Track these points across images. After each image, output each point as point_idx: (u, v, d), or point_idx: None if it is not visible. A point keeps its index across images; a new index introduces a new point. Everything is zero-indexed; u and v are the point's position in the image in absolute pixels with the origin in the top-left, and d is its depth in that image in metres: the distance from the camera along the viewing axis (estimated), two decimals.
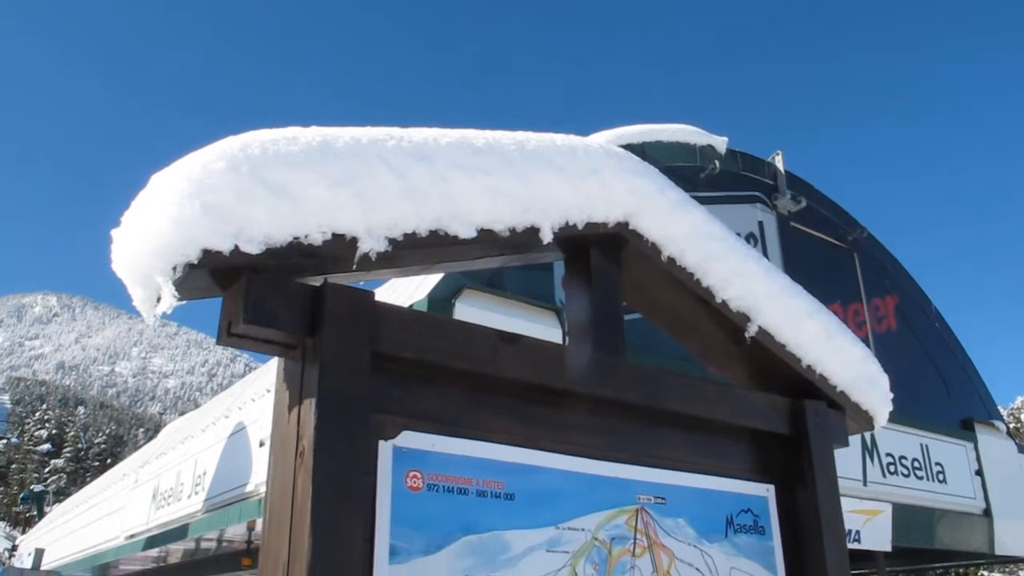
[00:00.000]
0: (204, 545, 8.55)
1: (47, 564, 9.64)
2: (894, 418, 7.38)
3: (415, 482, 1.92)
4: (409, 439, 1.95)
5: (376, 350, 1.91)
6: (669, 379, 2.43)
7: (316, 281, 1.93)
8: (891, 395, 3.03)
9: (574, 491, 2.17)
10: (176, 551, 8.83)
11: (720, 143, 7.86)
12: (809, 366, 2.79)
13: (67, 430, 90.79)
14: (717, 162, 7.68)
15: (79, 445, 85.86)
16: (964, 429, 8.44)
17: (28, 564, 7.65)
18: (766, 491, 2.64)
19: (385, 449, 1.90)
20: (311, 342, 1.88)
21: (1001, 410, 9.51)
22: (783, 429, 2.69)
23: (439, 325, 2.06)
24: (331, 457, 1.78)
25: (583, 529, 2.16)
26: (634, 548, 2.24)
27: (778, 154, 8.46)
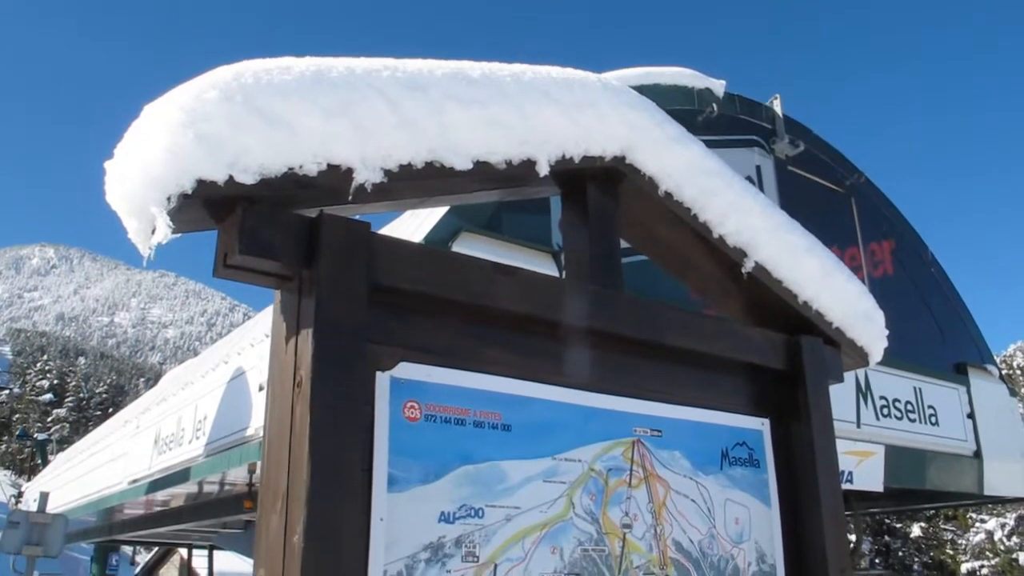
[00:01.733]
0: (206, 489, 8.64)
1: (52, 509, 9.76)
2: (889, 361, 7.44)
3: (412, 412, 1.94)
4: (406, 370, 1.96)
5: (373, 281, 1.91)
6: (666, 313, 2.44)
7: (312, 213, 1.93)
8: (886, 331, 3.05)
9: (571, 423, 2.19)
10: (179, 495, 8.92)
11: (718, 86, 7.78)
12: (806, 302, 2.80)
13: (68, 380, 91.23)
14: (715, 105, 7.60)
15: (81, 395, 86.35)
16: (957, 373, 8.49)
17: (34, 508, 7.75)
18: (761, 425, 2.67)
19: (382, 380, 1.91)
20: (307, 273, 1.88)
21: (995, 357, 9.54)
22: (779, 364, 2.70)
23: (436, 257, 2.06)
24: (328, 387, 1.79)
25: (580, 460, 2.18)
26: (630, 479, 2.27)
27: (776, 98, 8.38)
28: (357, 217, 2.02)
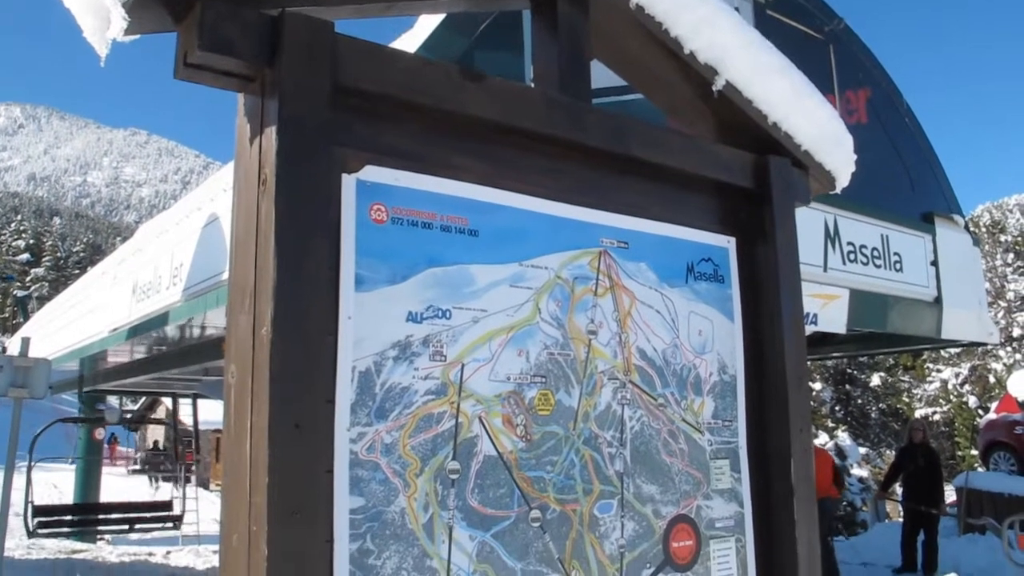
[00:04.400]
0: (187, 334, 8.78)
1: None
2: (858, 209, 7.51)
3: (379, 215, 1.95)
4: (373, 173, 1.96)
5: (337, 82, 1.88)
6: (635, 126, 2.43)
7: (275, 12, 1.88)
8: (855, 156, 3.06)
9: (537, 231, 2.22)
10: (159, 340, 9.07)
11: None
12: (775, 123, 2.79)
13: (45, 240, 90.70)
14: None
15: (58, 254, 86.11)
16: (924, 222, 8.61)
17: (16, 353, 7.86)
18: (727, 243, 2.71)
19: (348, 181, 1.92)
20: (270, 73, 1.85)
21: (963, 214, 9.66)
22: (746, 183, 2.73)
23: (402, 58, 2.02)
24: (294, 185, 1.80)
25: (546, 268, 2.22)
26: (596, 288, 2.32)
27: None
28: None
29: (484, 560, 1.99)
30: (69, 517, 13.63)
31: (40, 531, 12.69)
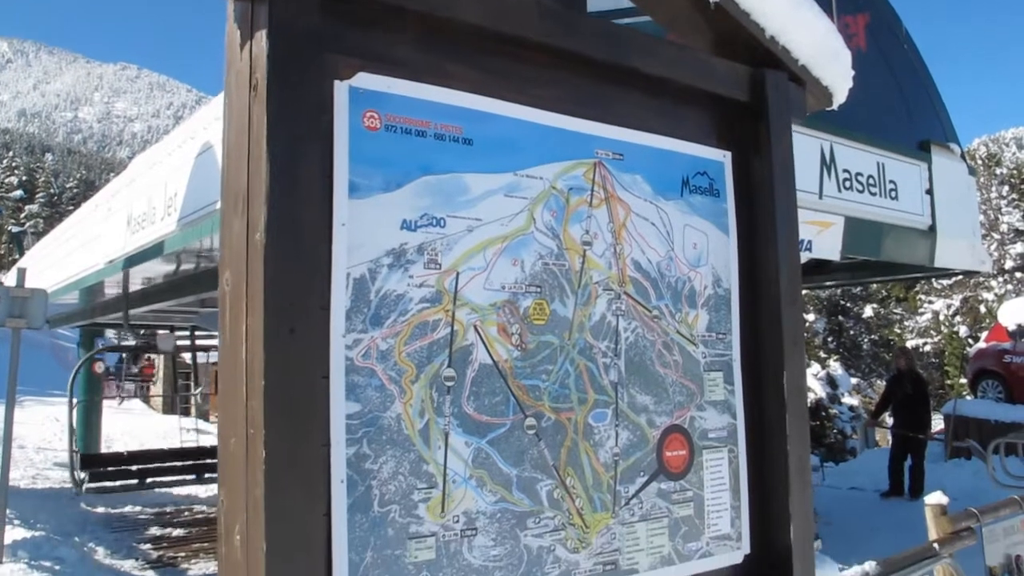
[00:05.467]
0: (183, 265, 8.77)
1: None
2: (854, 137, 7.44)
3: (372, 122, 1.94)
4: (365, 80, 1.94)
5: None
6: (632, 37, 2.40)
7: None
8: (852, 72, 3.03)
9: (532, 141, 2.21)
10: (156, 270, 9.06)
11: None
12: (772, 37, 2.75)
13: (38, 176, 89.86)
14: None
15: (51, 191, 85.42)
16: (920, 150, 8.55)
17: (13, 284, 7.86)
18: (723, 157, 2.70)
19: (341, 88, 1.90)
20: None
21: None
22: (742, 96, 2.70)
23: None
24: (285, 91, 1.78)
25: (541, 178, 2.21)
26: (591, 199, 2.31)
27: None
28: None
29: (480, 466, 2.03)
30: (123, 468, 11.45)
31: (91, 485, 10.82)
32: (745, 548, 2.60)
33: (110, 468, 11.26)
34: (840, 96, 3.04)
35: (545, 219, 2.20)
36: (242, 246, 1.79)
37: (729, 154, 2.72)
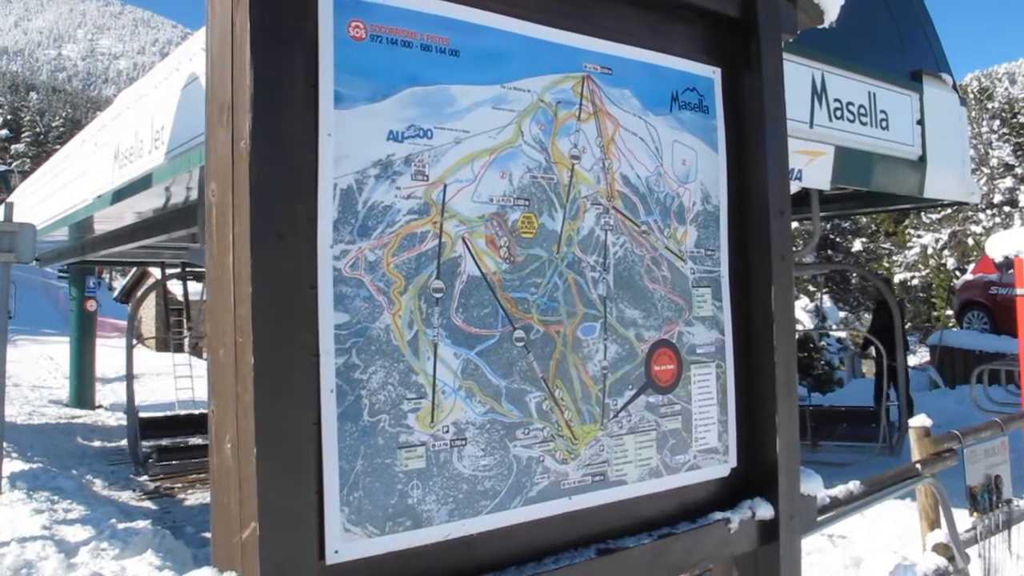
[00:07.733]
0: (172, 199, 8.71)
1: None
2: (846, 65, 7.36)
3: (357, 32, 1.91)
4: None
5: None
6: None
7: None
8: None
9: (520, 53, 2.18)
10: (145, 204, 8.99)
11: None
12: None
13: (22, 115, 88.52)
14: None
15: (37, 130, 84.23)
16: (912, 80, 8.47)
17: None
18: (712, 73, 2.67)
19: None
20: None
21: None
22: (733, 11, 2.67)
23: None
24: None
25: (529, 91, 2.19)
26: (579, 113, 2.30)
27: None
28: None
29: (469, 377, 2.05)
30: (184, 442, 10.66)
31: (159, 464, 10.11)
32: (732, 461, 2.65)
33: (176, 442, 10.53)
34: (831, 14, 3.00)
35: (533, 132, 2.18)
36: (227, 155, 1.77)
37: (719, 70, 2.70)
